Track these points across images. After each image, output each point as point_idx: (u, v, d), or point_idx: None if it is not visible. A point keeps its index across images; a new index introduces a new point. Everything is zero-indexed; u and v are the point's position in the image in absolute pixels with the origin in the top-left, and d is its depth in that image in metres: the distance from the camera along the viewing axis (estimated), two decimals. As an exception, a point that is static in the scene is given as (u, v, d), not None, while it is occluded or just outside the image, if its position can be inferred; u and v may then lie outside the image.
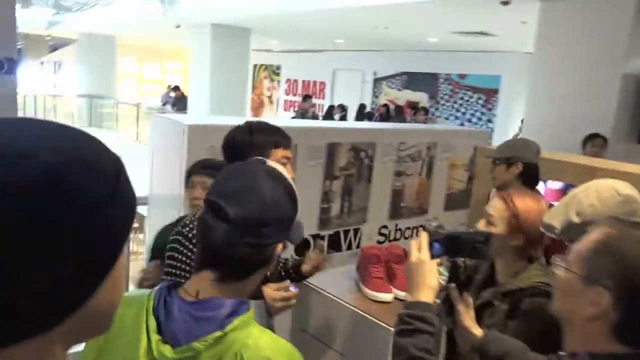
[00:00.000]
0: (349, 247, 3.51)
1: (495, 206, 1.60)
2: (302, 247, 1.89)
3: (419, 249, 1.22)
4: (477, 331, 1.33)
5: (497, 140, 11.13)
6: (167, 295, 0.98)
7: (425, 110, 11.20)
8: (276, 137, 1.73)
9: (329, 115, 11.19)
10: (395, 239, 3.80)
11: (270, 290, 1.62)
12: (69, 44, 18.28)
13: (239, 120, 4.27)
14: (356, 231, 3.53)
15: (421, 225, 1.51)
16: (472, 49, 11.22)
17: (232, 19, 9.25)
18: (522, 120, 6.18)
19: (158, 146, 2.88)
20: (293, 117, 10.77)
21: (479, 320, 1.51)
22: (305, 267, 1.79)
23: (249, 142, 1.71)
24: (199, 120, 2.83)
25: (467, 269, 1.79)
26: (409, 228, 3.88)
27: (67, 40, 18.70)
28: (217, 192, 1.01)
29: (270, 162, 1.07)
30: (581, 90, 4.69)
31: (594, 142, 4.45)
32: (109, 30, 13.94)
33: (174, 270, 1.68)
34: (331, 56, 14.81)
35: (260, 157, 1.09)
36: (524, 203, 1.56)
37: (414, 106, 11.80)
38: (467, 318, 1.36)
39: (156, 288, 1.01)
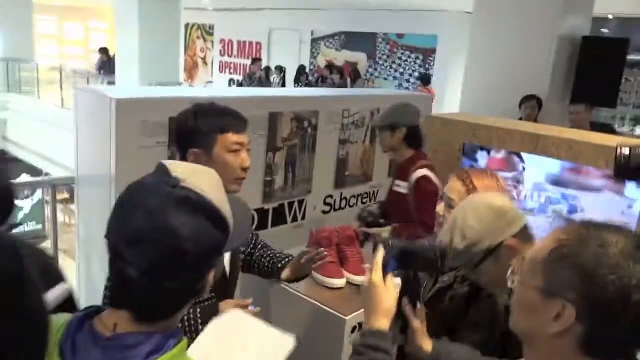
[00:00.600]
0: (294, 219, 3.42)
1: (455, 188, 1.55)
2: None
3: (374, 270, 1.18)
4: (427, 347, 1.31)
5: (435, 101, 11.32)
6: (78, 328, 0.83)
7: (340, 72, 10.98)
8: (224, 120, 1.56)
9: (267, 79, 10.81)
10: (340, 209, 3.74)
11: (228, 307, 1.51)
12: (-23, 2, 16.67)
13: (174, 91, 3.99)
14: (301, 202, 3.43)
15: (378, 240, 1.40)
16: (409, 8, 11.16)
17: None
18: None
19: (83, 122, 2.62)
20: (241, 83, 10.35)
21: (440, 302, 1.47)
22: (286, 274, 1.65)
23: (193, 128, 1.55)
24: (128, 93, 2.59)
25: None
26: (354, 196, 3.83)
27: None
28: (118, 232, 0.83)
29: (187, 181, 0.85)
30: (519, 52, 4.73)
31: (528, 104, 4.62)
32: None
33: None
34: (267, 15, 14.31)
35: (172, 177, 0.85)
36: (482, 183, 1.53)
37: (330, 67, 11.59)
38: (420, 336, 1.32)
39: (70, 318, 0.85)
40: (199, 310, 1.53)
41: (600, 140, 2.29)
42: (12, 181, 0.78)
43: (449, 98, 9.93)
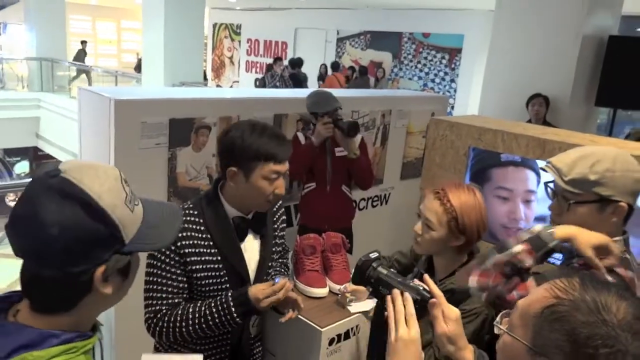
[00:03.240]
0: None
1: (432, 209, 1.49)
2: None
3: (407, 321, 1.07)
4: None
5: (459, 101, 11.14)
6: None
7: (360, 71, 10.92)
8: (270, 148, 1.52)
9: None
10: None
11: (254, 288, 1.54)
12: (14, 3, 17.22)
13: (177, 92, 3.97)
14: (308, 205, 3.39)
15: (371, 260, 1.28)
16: (435, 7, 10.99)
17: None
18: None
19: (86, 123, 2.64)
20: (263, 80, 10.27)
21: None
22: (263, 303, 1.53)
23: (240, 147, 1.53)
24: (128, 94, 2.60)
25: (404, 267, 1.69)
26: (363, 199, 3.77)
27: (12, -2, 17.61)
28: (10, 215, 0.85)
29: (68, 171, 0.84)
30: (541, 51, 4.57)
31: (535, 101, 4.52)
32: (56, -13, 13.09)
33: (151, 279, 1.56)
34: (293, 14, 14.32)
35: (57, 168, 0.86)
36: (460, 201, 1.46)
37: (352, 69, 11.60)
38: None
39: None
40: (230, 294, 1.55)
41: (608, 144, 2.18)
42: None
43: (474, 98, 9.74)
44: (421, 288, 1.13)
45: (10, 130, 12.73)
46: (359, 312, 1.74)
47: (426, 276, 1.17)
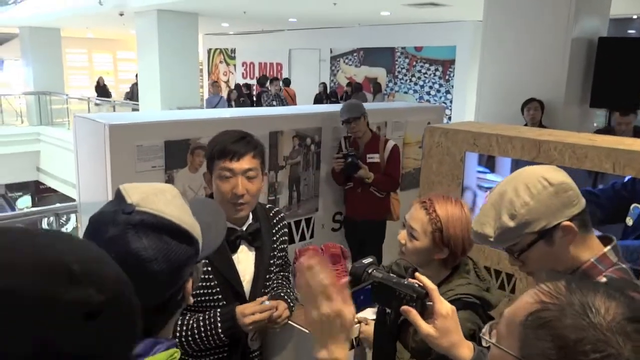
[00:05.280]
0: (302, 238, 3.37)
1: (417, 218, 1.46)
2: None
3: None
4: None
5: (455, 111, 11.17)
6: None
7: (354, 88, 11.13)
8: (220, 146, 1.59)
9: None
10: (351, 225, 3.68)
11: (242, 306, 1.55)
12: (10, 40, 17.44)
13: (171, 115, 3.99)
14: (308, 221, 3.39)
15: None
16: (426, 21, 11.10)
17: (178, 3, 8.87)
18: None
19: (82, 150, 2.65)
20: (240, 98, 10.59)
21: (405, 336, 1.38)
22: (248, 319, 1.55)
23: (208, 153, 1.66)
24: (122, 118, 2.61)
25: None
26: (364, 212, 3.76)
27: (9, 35, 17.82)
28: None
29: (141, 204, 0.85)
30: (532, 56, 4.60)
31: (530, 106, 4.52)
32: (52, 22, 13.28)
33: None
34: (286, 36, 14.48)
35: (127, 204, 0.86)
36: (446, 212, 1.43)
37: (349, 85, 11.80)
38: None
39: None
40: (219, 310, 1.56)
41: (605, 142, 2.17)
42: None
43: (470, 107, 9.79)
44: (416, 285, 1.13)
45: (11, 165, 12.80)
46: (358, 322, 1.72)
47: (417, 273, 1.16)
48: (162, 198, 0.88)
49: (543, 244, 1.17)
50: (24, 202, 15.32)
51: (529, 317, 0.73)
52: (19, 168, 13.09)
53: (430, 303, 1.12)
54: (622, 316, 0.68)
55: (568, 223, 1.15)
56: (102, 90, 14.54)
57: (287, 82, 12.12)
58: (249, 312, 1.54)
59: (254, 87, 13.27)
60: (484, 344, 0.87)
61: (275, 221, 1.78)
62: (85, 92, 16.02)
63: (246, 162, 1.58)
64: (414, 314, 1.11)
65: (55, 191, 13.07)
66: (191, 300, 0.92)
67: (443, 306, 1.11)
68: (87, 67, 20.65)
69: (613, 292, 0.72)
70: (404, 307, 1.12)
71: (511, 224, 1.16)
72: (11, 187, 15.08)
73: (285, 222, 1.85)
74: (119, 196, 0.89)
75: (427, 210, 1.44)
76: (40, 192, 14.70)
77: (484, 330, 0.85)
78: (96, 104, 13.13)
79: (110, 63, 21.27)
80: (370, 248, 3.44)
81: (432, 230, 1.42)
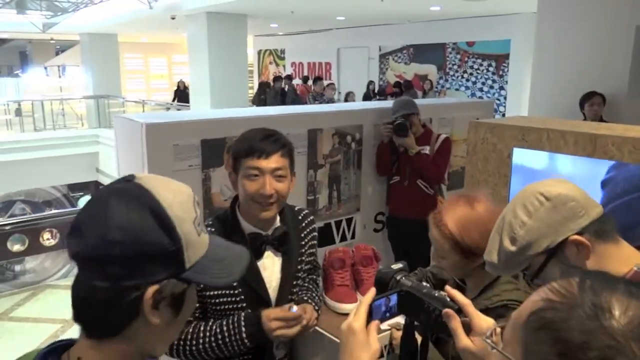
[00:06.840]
0: (343, 239, 3.28)
1: (434, 237, 1.36)
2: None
3: (356, 312, 0.97)
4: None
5: (510, 108, 10.76)
6: None
7: (404, 86, 10.92)
8: (247, 144, 1.52)
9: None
10: (394, 225, 3.56)
11: (268, 310, 1.48)
12: (73, 46, 18.26)
13: (214, 113, 3.99)
14: (349, 221, 3.29)
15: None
16: (478, 15, 10.74)
17: (227, 5, 8.99)
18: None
19: (122, 149, 2.67)
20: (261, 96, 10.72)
21: (445, 343, 1.27)
22: (273, 324, 1.47)
23: (233, 151, 1.58)
24: (159, 117, 2.61)
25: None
26: (409, 212, 3.63)
27: (71, 42, 18.70)
28: (75, 218, 0.80)
29: (142, 178, 0.81)
30: (591, 46, 4.32)
31: (592, 101, 4.19)
32: (109, 29, 13.81)
33: None
34: (335, 35, 14.42)
35: (131, 174, 0.83)
36: (454, 221, 1.32)
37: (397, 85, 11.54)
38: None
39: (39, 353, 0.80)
40: (243, 314, 1.49)
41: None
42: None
43: (525, 104, 9.40)
44: (448, 299, 1.01)
45: (73, 167, 13.39)
46: (389, 329, 1.62)
47: (447, 286, 1.05)
48: (165, 183, 0.82)
49: (554, 264, 1.07)
50: (85, 202, 16.00)
51: (531, 317, 0.62)
52: (80, 169, 13.67)
53: (466, 319, 1.00)
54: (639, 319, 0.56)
55: (576, 237, 1.05)
56: (182, 94, 14.30)
57: (305, 79, 12.90)
58: (275, 317, 1.46)
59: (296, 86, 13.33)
60: (488, 349, 0.75)
61: (304, 224, 1.69)
62: (141, 95, 16.57)
63: (274, 161, 1.51)
64: (457, 322, 0.97)
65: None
66: (155, 320, 0.76)
67: (483, 321, 0.96)
68: (143, 71, 21.33)
69: (637, 291, 0.60)
70: (446, 310, 0.99)
71: (512, 248, 1.08)
72: (73, 188, 15.76)
73: (315, 225, 1.76)
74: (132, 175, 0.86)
75: (438, 226, 1.34)
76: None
77: (487, 333, 0.76)
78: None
79: (165, 66, 21.90)
80: (416, 251, 3.27)
81: (450, 246, 1.33)
